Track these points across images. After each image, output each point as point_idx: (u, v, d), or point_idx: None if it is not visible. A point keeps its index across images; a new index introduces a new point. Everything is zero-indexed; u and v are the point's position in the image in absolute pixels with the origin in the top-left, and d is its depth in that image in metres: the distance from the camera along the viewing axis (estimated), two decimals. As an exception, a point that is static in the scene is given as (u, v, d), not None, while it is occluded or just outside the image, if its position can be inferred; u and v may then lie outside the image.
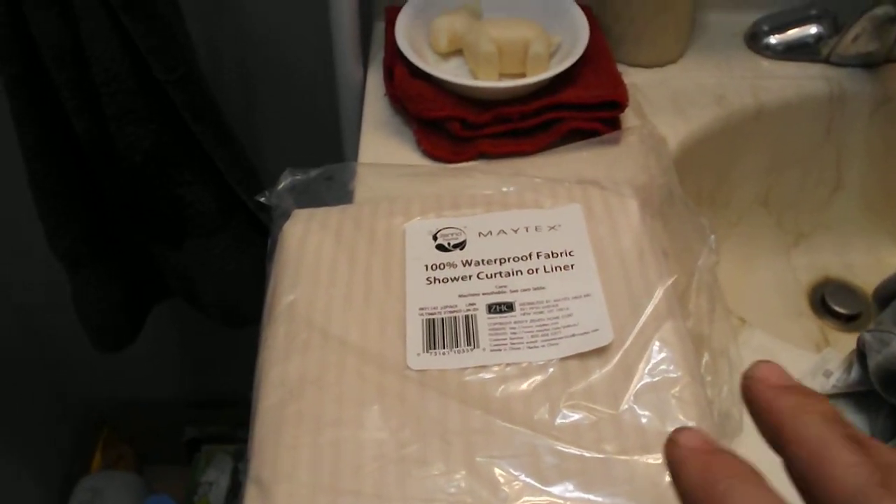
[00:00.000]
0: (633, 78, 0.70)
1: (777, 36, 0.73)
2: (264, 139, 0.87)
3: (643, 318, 0.45)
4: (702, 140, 0.67)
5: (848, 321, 0.74)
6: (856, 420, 0.50)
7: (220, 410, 1.17)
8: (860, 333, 0.51)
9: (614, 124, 0.64)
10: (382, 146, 0.64)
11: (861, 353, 0.51)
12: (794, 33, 0.73)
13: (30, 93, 0.65)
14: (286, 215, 0.55)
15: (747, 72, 0.72)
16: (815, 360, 0.53)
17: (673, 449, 0.23)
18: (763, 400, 0.24)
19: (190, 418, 1.22)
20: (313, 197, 0.57)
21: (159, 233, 0.75)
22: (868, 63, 0.71)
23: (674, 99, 0.69)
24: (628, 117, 0.65)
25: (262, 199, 0.56)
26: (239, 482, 1.13)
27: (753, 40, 0.74)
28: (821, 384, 0.52)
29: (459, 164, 0.61)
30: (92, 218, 0.73)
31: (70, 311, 0.82)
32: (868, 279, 0.76)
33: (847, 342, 0.72)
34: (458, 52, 0.69)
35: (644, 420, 0.42)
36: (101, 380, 1.16)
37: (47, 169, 0.68)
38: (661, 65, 0.72)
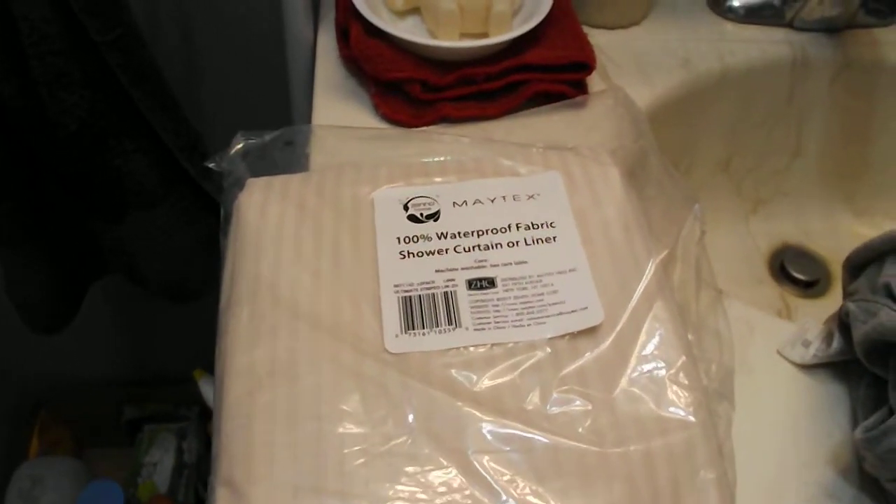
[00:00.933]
0: (597, 39, 0.66)
1: (740, -2, 0.70)
2: (209, 105, 0.81)
3: (636, 297, 0.42)
4: (667, 104, 0.64)
5: (807, 287, 0.72)
6: (836, 390, 0.48)
7: (160, 388, 1.11)
8: (844, 303, 0.49)
9: (581, 87, 0.60)
10: (337, 110, 0.59)
11: (843, 324, 0.49)
12: (757, -5, 0.70)
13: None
14: (238, 184, 0.49)
15: (712, 35, 0.69)
16: (793, 330, 0.50)
17: None
18: None
19: (129, 398, 1.15)
20: (267, 162, 0.51)
21: (97, 206, 0.68)
22: (831, 28, 0.69)
23: (638, 62, 0.65)
24: (594, 80, 0.61)
25: (212, 165, 0.50)
26: (184, 462, 1.08)
27: (716, 3, 0.71)
28: (800, 354, 0.49)
29: (421, 129, 0.57)
30: (22, 193, 0.66)
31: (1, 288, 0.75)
32: (825, 245, 0.75)
33: (806, 308, 0.71)
34: (414, 11, 0.64)
35: (640, 405, 0.39)
36: (35, 359, 1.08)
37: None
38: (624, 26, 0.68)
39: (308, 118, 0.59)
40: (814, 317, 0.70)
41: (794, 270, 0.72)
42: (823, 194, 0.76)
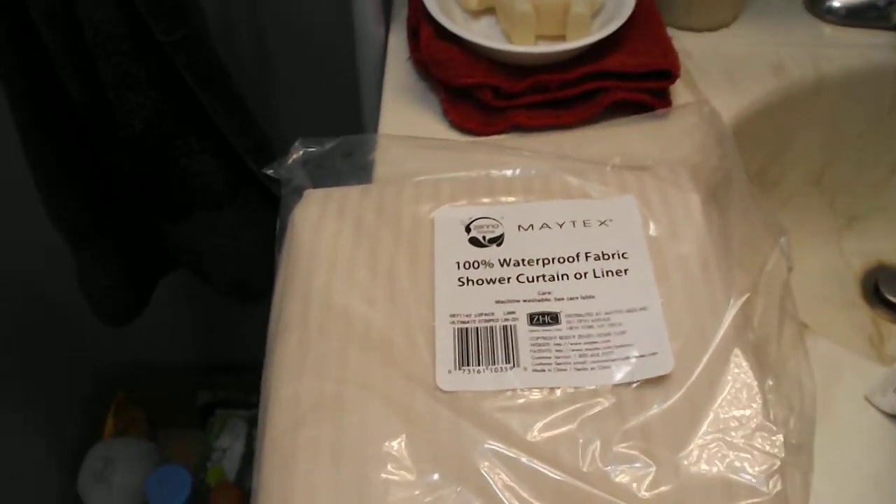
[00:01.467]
0: (683, 43, 0.61)
1: (841, -1, 0.64)
2: (278, 105, 0.79)
3: (713, 346, 0.38)
4: (756, 114, 0.59)
5: (903, 312, 0.66)
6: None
7: (234, 375, 1.10)
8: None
9: (663, 96, 0.56)
10: (405, 115, 0.56)
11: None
12: (860, -4, 0.64)
13: (19, 57, 0.57)
14: (297, 192, 0.47)
15: (807, 38, 0.63)
16: (885, 373, 0.45)
17: None
18: None
19: (203, 383, 1.15)
20: (328, 171, 0.49)
21: (164, 205, 0.67)
22: (942, 31, 0.62)
23: (727, 68, 0.60)
24: (677, 88, 0.56)
25: (271, 172, 0.48)
26: (254, 449, 1.07)
27: (814, 3, 0.65)
28: (891, 402, 0.44)
29: (491, 138, 0.53)
30: (92, 190, 0.65)
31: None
32: (925, 266, 0.69)
33: (902, 335, 0.65)
34: (489, 11, 0.60)
35: (709, 469, 0.35)
36: (113, 344, 1.09)
37: (41, 138, 0.60)
38: (713, 28, 0.63)
39: (377, 122, 0.56)
40: (910, 347, 0.65)
41: (889, 293, 0.66)
42: (925, 211, 0.69)
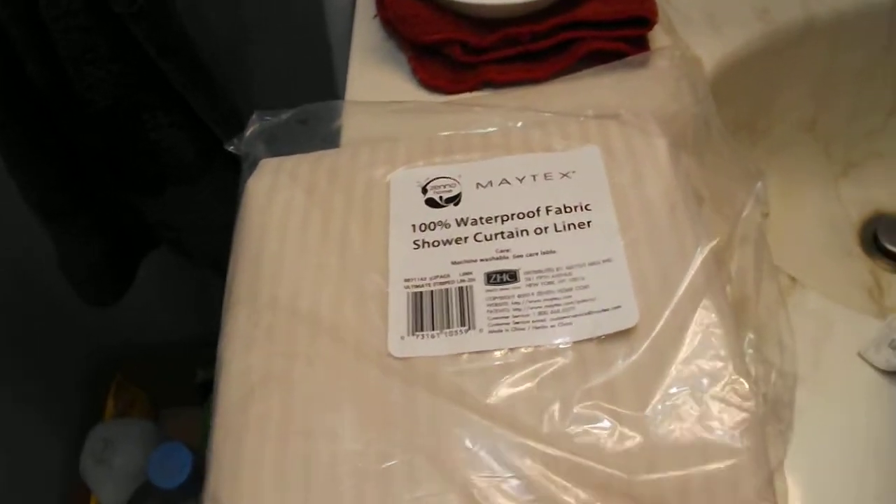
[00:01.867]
0: (662, -13, 0.58)
1: (831, -66, 0.60)
2: (251, 73, 0.76)
3: (678, 294, 0.35)
4: (742, 61, 0.56)
5: (903, 261, 0.63)
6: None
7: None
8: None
9: (641, 44, 0.53)
10: (373, 76, 0.54)
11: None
12: (851, -70, 0.60)
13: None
14: (256, 165, 0.45)
15: (795, -22, 0.59)
16: (880, 328, 0.42)
17: None
18: None
19: (202, 360, 1.14)
20: (292, 142, 0.47)
21: (137, 181, 0.65)
22: (940, -37, 0.59)
23: (709, 12, 0.57)
24: (657, 36, 0.53)
25: (231, 148, 0.46)
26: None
27: (802, -61, 0.61)
28: (886, 358, 0.41)
29: (460, 96, 0.51)
30: (62, 169, 0.63)
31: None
32: (926, 213, 0.65)
33: (902, 287, 0.62)
34: (458, -36, 0.57)
35: (678, 426, 0.32)
36: (111, 324, 1.08)
37: (4, 119, 0.58)
38: (694, -29, 0.60)
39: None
40: (912, 299, 0.62)
41: (888, 242, 0.63)
42: (926, 155, 0.66)
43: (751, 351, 0.38)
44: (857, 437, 0.38)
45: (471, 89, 0.52)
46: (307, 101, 0.48)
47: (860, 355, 0.41)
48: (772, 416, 0.37)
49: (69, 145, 0.63)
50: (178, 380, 1.14)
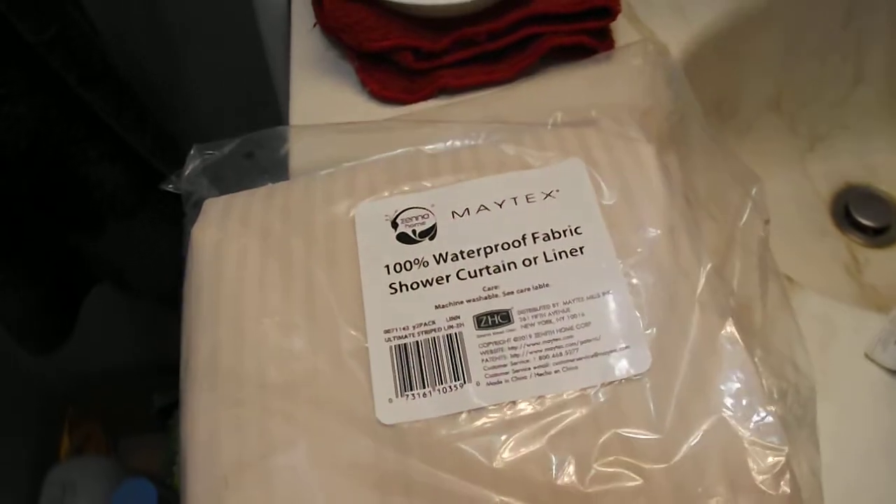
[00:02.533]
0: (619, -28, 0.54)
1: None
2: (187, 96, 0.69)
3: (691, 326, 0.31)
4: (706, 43, 0.52)
5: (877, 234, 0.61)
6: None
7: (186, 372, 1.03)
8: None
9: (604, 36, 0.48)
10: (318, 90, 0.48)
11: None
12: None
13: None
14: (201, 203, 0.40)
15: (753, -48, 0.56)
16: (884, 326, 0.39)
17: None
18: None
19: (157, 385, 1.08)
20: (237, 174, 0.41)
21: (70, 221, 0.59)
22: (895, -72, 0.56)
23: (670, -6, 0.53)
24: (620, 24, 0.49)
25: (170, 188, 0.41)
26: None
27: (756, -89, 0.58)
28: (893, 357, 0.39)
29: (417, 107, 0.46)
30: None
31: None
32: (895, 183, 0.63)
33: (880, 261, 0.60)
34: (400, -41, 0.52)
35: (710, 476, 0.29)
36: (58, 358, 1.01)
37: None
38: (650, -48, 0.56)
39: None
40: (891, 271, 0.59)
41: (860, 216, 0.61)
42: (891, 123, 0.64)
43: (762, 370, 0.35)
44: (870, 439, 0.35)
45: (427, 97, 0.47)
46: (248, 123, 0.43)
47: (867, 355, 0.38)
48: (795, 440, 0.33)
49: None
50: (134, 407, 1.07)
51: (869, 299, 0.58)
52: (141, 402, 1.08)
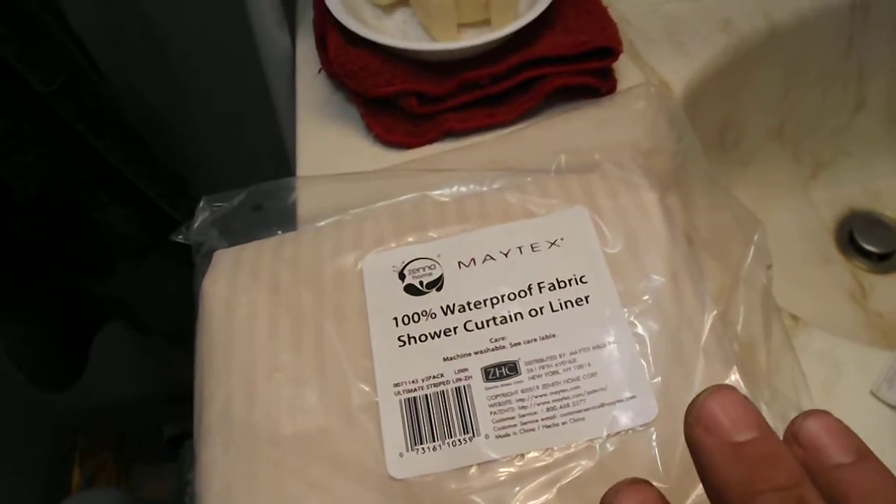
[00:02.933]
0: (619, 8, 0.54)
1: (783, -64, 0.57)
2: (193, 136, 0.70)
3: (698, 375, 0.32)
4: (708, 78, 0.53)
5: (881, 260, 0.61)
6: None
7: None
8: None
9: (607, 75, 0.49)
10: (324, 134, 0.49)
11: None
12: (803, -70, 0.57)
13: None
14: (211, 254, 0.40)
15: (753, -15, 0.56)
16: (889, 363, 0.40)
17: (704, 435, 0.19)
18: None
19: (167, 416, 1.09)
20: (244, 223, 0.42)
21: (81, 263, 0.59)
22: (895, -41, 0.56)
23: (671, 31, 0.53)
24: (622, 62, 0.50)
25: (179, 238, 0.42)
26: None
27: (754, -56, 0.58)
28: (900, 392, 0.39)
29: (423, 156, 0.47)
30: None
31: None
32: (898, 208, 0.63)
33: (885, 287, 0.60)
34: (403, 2, 0.53)
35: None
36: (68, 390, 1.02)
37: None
38: (649, -12, 0.56)
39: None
40: (896, 298, 0.59)
41: (864, 242, 0.61)
42: (893, 148, 0.64)
43: (768, 417, 0.35)
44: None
45: (432, 141, 0.48)
46: (255, 165, 0.44)
47: (873, 393, 0.38)
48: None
49: (2, 234, 0.57)
50: (145, 438, 1.08)
51: (875, 327, 0.58)
52: (151, 432, 1.09)
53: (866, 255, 0.61)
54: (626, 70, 0.51)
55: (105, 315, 0.68)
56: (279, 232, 0.41)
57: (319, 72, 0.51)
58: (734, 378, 0.32)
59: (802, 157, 0.63)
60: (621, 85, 0.50)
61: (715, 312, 0.34)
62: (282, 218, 0.42)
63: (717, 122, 0.57)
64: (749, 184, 0.62)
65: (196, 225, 0.40)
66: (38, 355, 0.65)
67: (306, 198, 0.42)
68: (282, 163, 0.58)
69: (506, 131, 0.47)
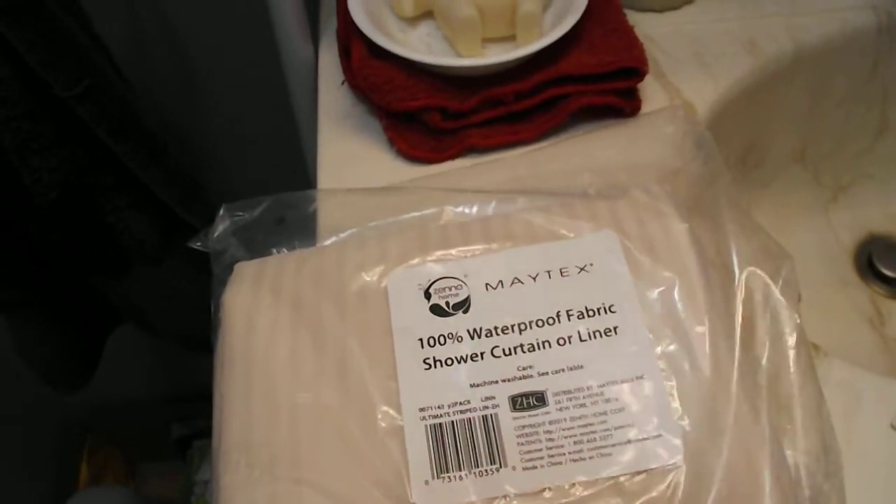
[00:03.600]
0: (645, 27, 0.54)
1: (811, -43, 0.57)
2: (213, 144, 0.70)
3: (726, 416, 0.31)
4: (732, 100, 0.52)
5: (900, 285, 0.61)
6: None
7: (206, 403, 1.03)
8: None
9: (632, 95, 0.49)
10: (346, 146, 0.49)
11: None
12: (831, -48, 0.57)
13: None
14: (231, 264, 0.40)
15: (779, 7, 0.56)
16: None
17: None
18: None
19: (176, 415, 1.08)
20: (264, 234, 0.42)
21: (98, 266, 0.59)
22: (924, -17, 0.56)
23: (696, 51, 0.53)
24: (646, 81, 0.49)
25: (198, 246, 0.41)
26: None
27: (782, -35, 0.58)
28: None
29: (445, 172, 0.46)
30: (15, 261, 0.56)
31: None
32: (919, 233, 0.63)
33: (903, 313, 0.59)
34: (428, 14, 0.52)
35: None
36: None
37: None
38: (676, 7, 0.56)
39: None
40: (915, 326, 0.59)
41: (883, 267, 0.61)
42: (915, 172, 0.64)
43: (789, 452, 0.35)
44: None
45: (454, 157, 0.47)
46: (275, 173, 0.44)
47: (893, 426, 0.38)
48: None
49: (21, 235, 0.56)
50: (153, 436, 1.07)
51: (892, 353, 0.57)
52: (160, 430, 1.09)
53: (885, 280, 0.60)
54: (650, 90, 0.50)
55: (119, 317, 0.68)
56: (298, 243, 0.41)
57: (343, 83, 0.50)
58: (763, 422, 0.32)
59: (823, 179, 0.63)
60: (646, 105, 0.49)
61: (742, 350, 0.34)
62: (302, 229, 0.41)
63: (739, 142, 0.57)
64: (769, 205, 0.61)
65: (216, 234, 0.40)
66: (51, 356, 0.64)
67: (327, 210, 0.42)
68: (300, 173, 0.58)
69: (529, 149, 0.47)
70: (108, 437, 1.10)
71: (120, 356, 0.91)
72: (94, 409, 1.07)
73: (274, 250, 0.41)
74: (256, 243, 0.41)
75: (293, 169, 0.60)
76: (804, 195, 0.63)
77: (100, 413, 1.08)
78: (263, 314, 0.36)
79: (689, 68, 0.52)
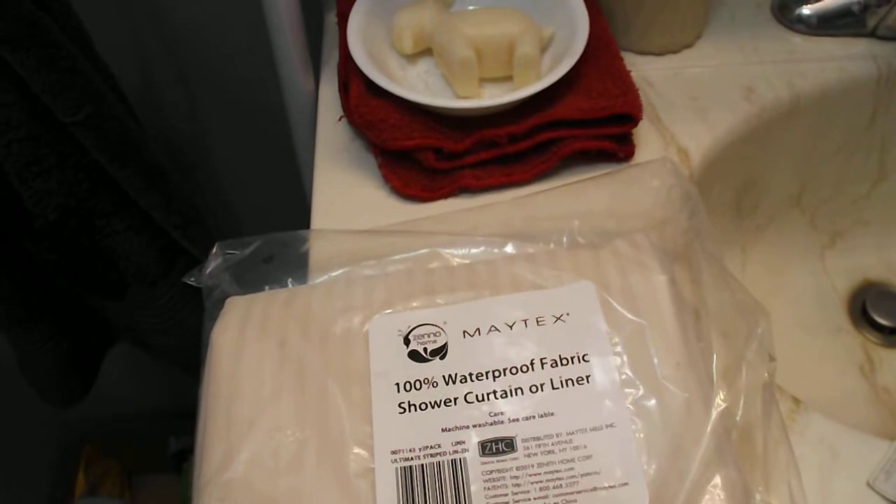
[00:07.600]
0: (643, 70, 0.56)
1: (811, 5, 0.58)
2: (212, 170, 0.72)
3: (693, 468, 0.33)
4: (729, 146, 0.54)
5: (893, 334, 0.62)
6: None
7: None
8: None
9: (625, 140, 0.50)
10: (341, 180, 0.51)
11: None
12: (832, 1, 0.58)
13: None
14: (221, 300, 0.42)
15: (778, 53, 0.57)
16: (888, 454, 0.40)
17: None
18: None
19: (174, 429, 1.10)
20: (255, 272, 0.44)
21: (95, 287, 0.61)
22: (923, 35, 0.57)
23: (694, 96, 0.55)
24: (641, 125, 0.51)
25: (191, 281, 0.43)
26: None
27: (783, 12, 0.59)
28: (896, 486, 0.40)
29: (437, 205, 0.48)
30: (15, 280, 0.59)
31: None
32: (915, 282, 0.64)
33: (894, 361, 0.61)
34: (428, 51, 0.54)
35: None
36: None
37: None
38: (675, 51, 0.57)
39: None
40: (906, 376, 0.60)
41: (877, 314, 0.62)
42: (912, 221, 0.65)
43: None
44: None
45: (447, 196, 0.49)
46: (275, 206, 0.46)
47: (869, 485, 0.39)
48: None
49: (21, 256, 0.58)
50: (151, 449, 1.10)
51: (882, 403, 0.59)
52: (157, 443, 1.11)
53: (878, 327, 0.62)
54: (645, 134, 0.52)
55: (115, 336, 0.70)
56: (290, 280, 0.43)
57: (340, 119, 0.52)
58: (733, 475, 0.33)
59: (820, 224, 0.64)
60: (640, 148, 0.51)
61: (716, 404, 0.35)
62: (294, 267, 0.43)
63: (735, 186, 0.58)
64: (765, 249, 0.63)
65: (209, 270, 0.42)
66: (48, 373, 0.66)
67: (318, 250, 0.44)
68: (299, 203, 0.60)
69: (521, 193, 0.49)
70: (105, 449, 1.12)
71: (119, 368, 0.93)
72: (92, 421, 1.09)
73: (266, 287, 0.43)
74: (247, 279, 0.43)
75: (293, 197, 0.62)
76: (800, 240, 0.64)
77: (98, 424, 1.10)
78: (249, 351, 0.38)
79: (686, 113, 0.53)
